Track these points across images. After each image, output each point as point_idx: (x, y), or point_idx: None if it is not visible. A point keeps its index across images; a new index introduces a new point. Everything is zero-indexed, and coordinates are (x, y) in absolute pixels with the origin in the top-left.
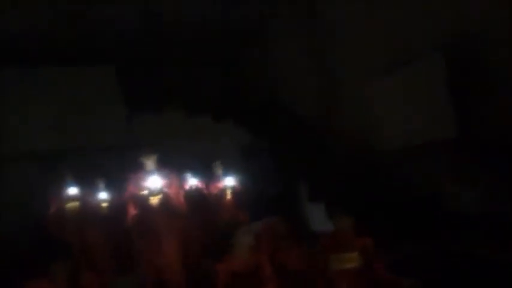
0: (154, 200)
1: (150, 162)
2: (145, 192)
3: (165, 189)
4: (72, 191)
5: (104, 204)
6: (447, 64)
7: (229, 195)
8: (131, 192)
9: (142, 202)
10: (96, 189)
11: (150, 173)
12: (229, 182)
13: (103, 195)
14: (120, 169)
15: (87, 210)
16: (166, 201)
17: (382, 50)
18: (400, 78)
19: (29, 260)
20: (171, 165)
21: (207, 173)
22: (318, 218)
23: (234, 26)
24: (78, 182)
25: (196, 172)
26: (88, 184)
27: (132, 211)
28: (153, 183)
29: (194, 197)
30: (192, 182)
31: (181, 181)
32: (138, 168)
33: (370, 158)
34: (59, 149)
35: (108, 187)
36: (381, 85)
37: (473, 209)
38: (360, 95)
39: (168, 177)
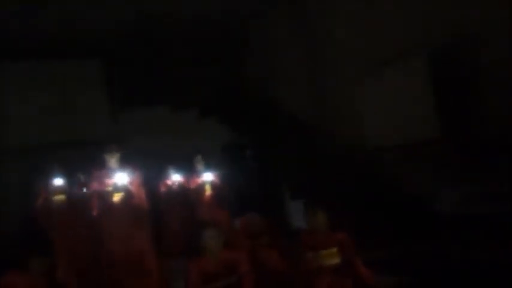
0: (118, 197)
1: (113, 160)
2: (109, 188)
3: (129, 186)
4: (59, 181)
5: None
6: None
7: (207, 191)
8: (94, 188)
9: (105, 198)
10: (80, 184)
11: (113, 170)
12: (207, 177)
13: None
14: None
15: (72, 204)
16: (128, 198)
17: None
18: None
19: (16, 255)
20: (165, 162)
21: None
22: (300, 216)
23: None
24: (65, 176)
25: (180, 168)
26: (74, 179)
27: (96, 207)
28: (119, 179)
29: (174, 193)
30: (176, 178)
31: (163, 178)
32: (101, 165)
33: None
34: (48, 144)
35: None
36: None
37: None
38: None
39: (131, 174)
